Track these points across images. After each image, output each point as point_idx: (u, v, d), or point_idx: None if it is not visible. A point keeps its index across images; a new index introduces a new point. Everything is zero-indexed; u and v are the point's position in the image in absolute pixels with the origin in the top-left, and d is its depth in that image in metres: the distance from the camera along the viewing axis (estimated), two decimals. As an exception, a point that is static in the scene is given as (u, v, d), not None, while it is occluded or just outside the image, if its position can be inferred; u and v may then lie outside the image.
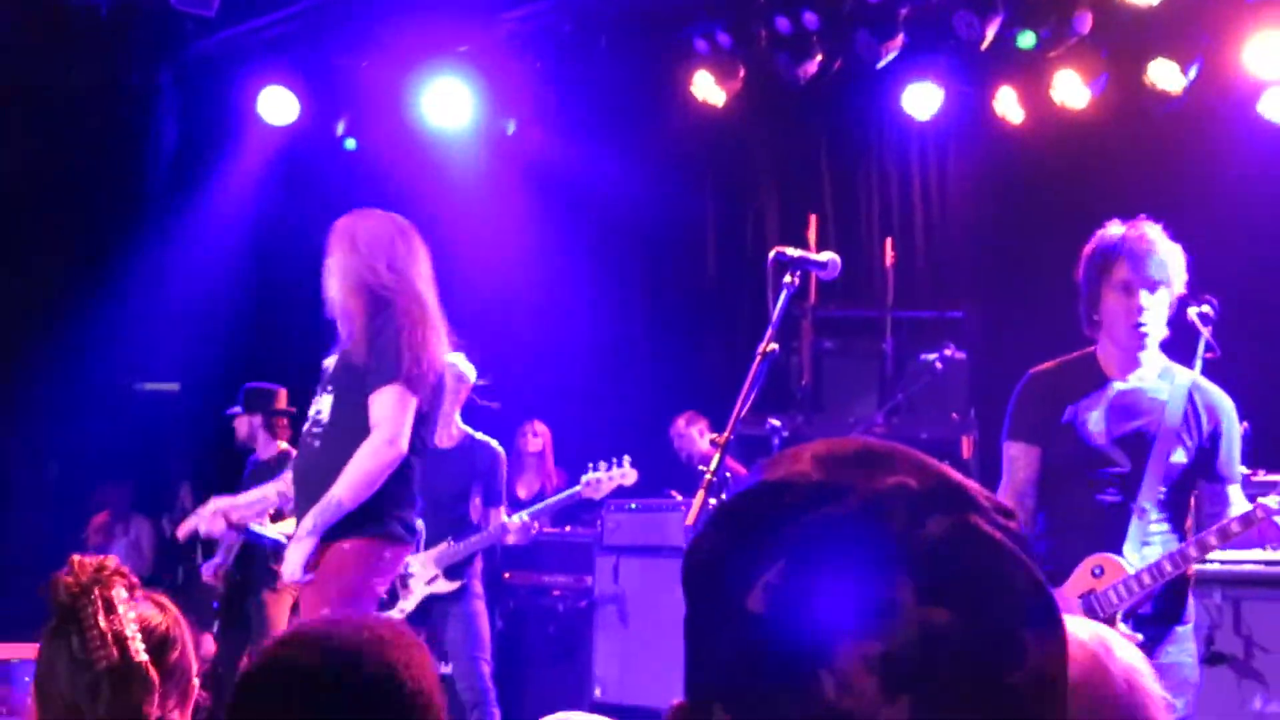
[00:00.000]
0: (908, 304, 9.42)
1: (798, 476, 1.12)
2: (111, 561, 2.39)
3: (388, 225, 5.37)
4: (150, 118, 10.72)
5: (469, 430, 7.49)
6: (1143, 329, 4.43)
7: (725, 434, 5.11)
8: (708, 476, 4.40)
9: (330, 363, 5.35)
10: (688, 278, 10.98)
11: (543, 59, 10.19)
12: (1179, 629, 4.42)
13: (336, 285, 5.22)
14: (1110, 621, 4.17)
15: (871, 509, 1.07)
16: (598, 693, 8.10)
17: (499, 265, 10.99)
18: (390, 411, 4.99)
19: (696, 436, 9.25)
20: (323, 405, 5.24)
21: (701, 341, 10.93)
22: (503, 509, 7.41)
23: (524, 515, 7.38)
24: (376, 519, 5.05)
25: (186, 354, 11.05)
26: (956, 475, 1.13)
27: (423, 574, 7.23)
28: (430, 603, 7.25)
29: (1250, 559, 6.04)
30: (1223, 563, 5.46)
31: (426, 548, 7.22)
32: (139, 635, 2.31)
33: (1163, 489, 4.40)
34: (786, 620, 1.05)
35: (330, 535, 5.00)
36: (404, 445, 5.01)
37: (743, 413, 4.72)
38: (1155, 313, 4.46)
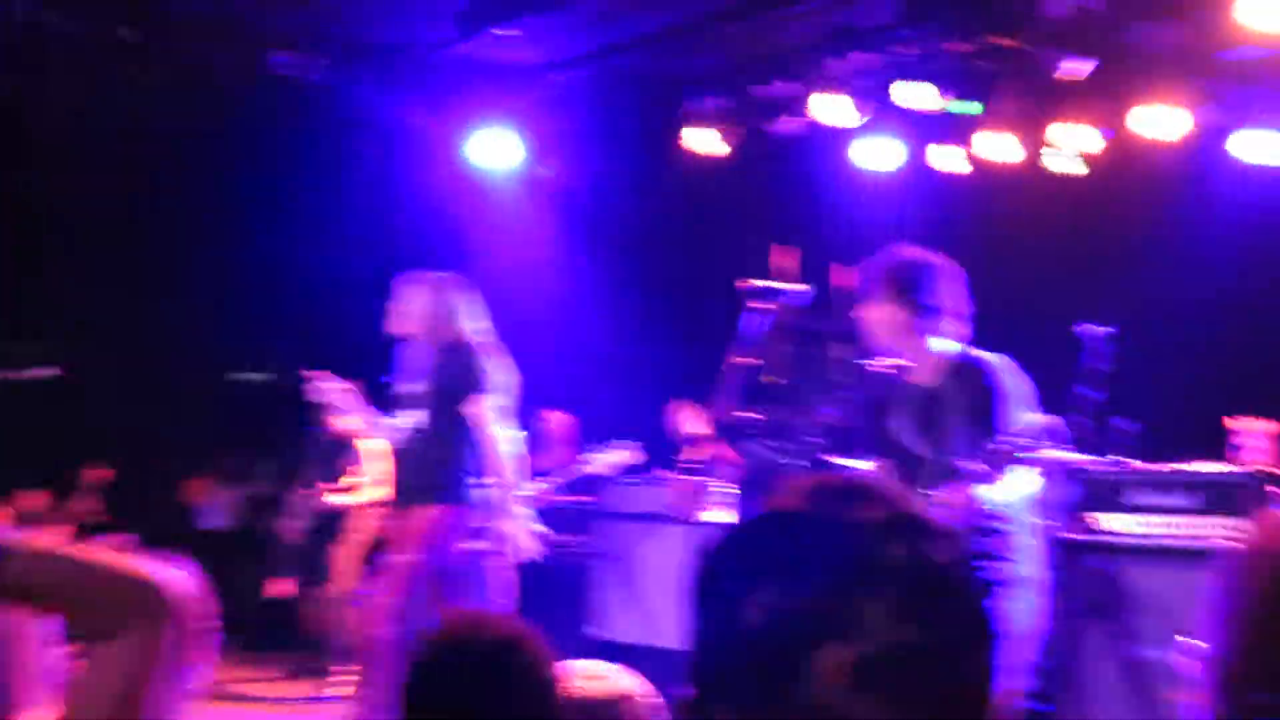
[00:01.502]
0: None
1: (789, 508, 1.14)
2: (127, 541, 2.29)
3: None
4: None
5: None
6: None
7: (706, 430, 5.20)
8: (691, 465, 4.40)
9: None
10: (683, 292, 11.00)
11: (574, 115, 10.21)
12: None
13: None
14: None
15: (847, 538, 1.09)
16: (594, 630, 8.16)
17: (535, 282, 11.01)
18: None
19: (688, 422, 9.22)
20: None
21: (693, 345, 10.92)
22: None
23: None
24: None
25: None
26: (918, 508, 1.16)
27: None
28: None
29: (1124, 530, 6.04)
30: (1103, 532, 5.41)
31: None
32: None
33: None
34: (776, 631, 1.07)
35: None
36: None
37: (723, 413, 4.73)
38: None
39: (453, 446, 5.84)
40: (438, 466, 5.85)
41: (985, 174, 9.37)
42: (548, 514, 7.75)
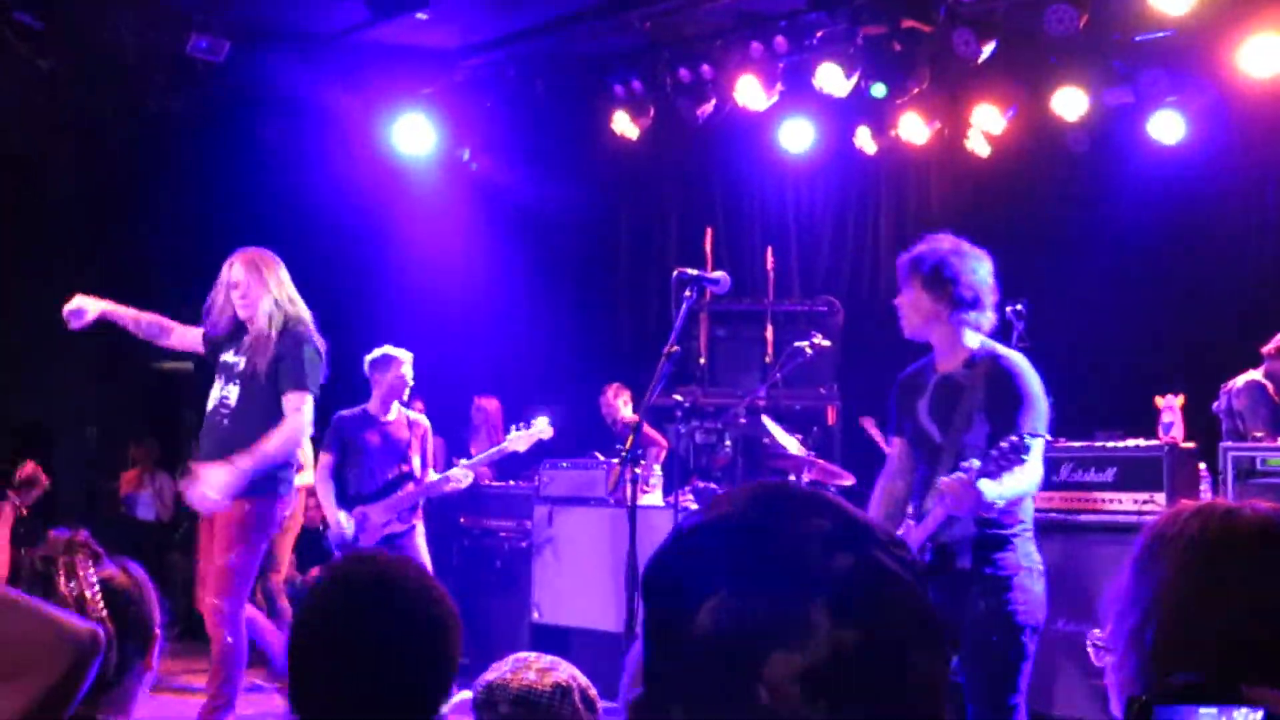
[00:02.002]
0: (784, 300, 9.51)
1: (737, 518, 1.16)
2: (80, 536, 2.37)
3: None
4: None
5: (404, 410, 7.52)
6: None
7: (638, 416, 5.21)
8: (624, 452, 4.44)
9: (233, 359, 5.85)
10: (608, 275, 11.01)
11: (492, 99, 10.19)
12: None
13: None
14: None
15: (793, 546, 1.11)
16: (535, 615, 8.13)
17: (455, 268, 10.97)
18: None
19: (620, 405, 9.29)
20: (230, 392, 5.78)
21: (621, 326, 10.97)
22: (430, 469, 7.42)
23: (463, 463, 7.39)
24: None
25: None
26: (864, 516, 1.17)
27: (380, 519, 7.27)
28: (386, 542, 7.25)
29: (1053, 508, 6.17)
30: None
31: (381, 499, 7.26)
32: (99, 596, 2.28)
33: None
34: (727, 637, 1.08)
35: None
36: None
37: (653, 399, 4.79)
38: None
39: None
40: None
41: (901, 155, 9.52)
42: (485, 499, 7.75)
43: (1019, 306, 6.75)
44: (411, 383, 7.40)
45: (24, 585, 2.23)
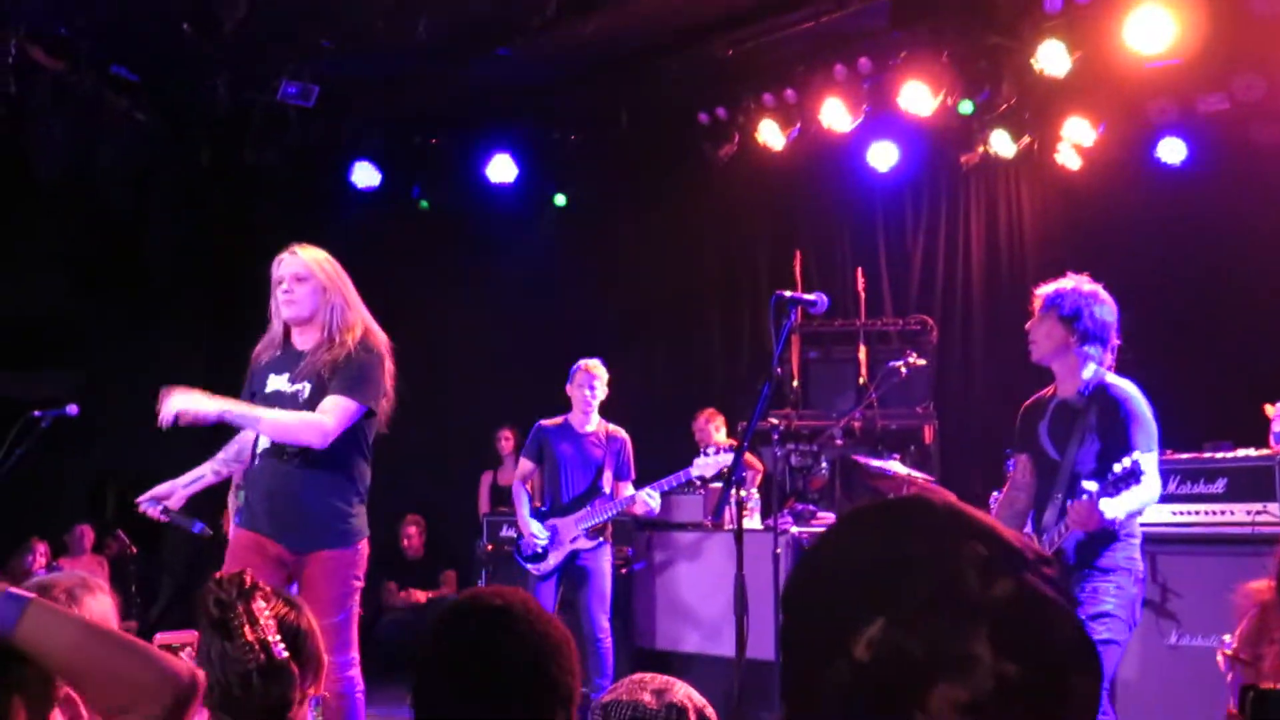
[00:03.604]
0: (875, 319, 9.44)
1: (886, 542, 1.13)
2: (249, 576, 2.37)
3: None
4: (262, 190, 10.77)
5: (606, 423, 7.55)
6: None
7: (738, 440, 5.19)
8: (728, 475, 4.42)
9: (289, 388, 4.91)
10: (697, 302, 10.99)
11: (577, 132, 10.27)
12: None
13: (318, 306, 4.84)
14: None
15: (951, 575, 1.09)
16: (638, 640, 8.12)
17: (545, 294, 11.03)
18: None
19: (713, 430, 9.25)
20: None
21: (712, 352, 10.95)
22: (629, 484, 7.41)
23: (648, 490, 7.32)
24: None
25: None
26: (1012, 537, 1.14)
27: (568, 533, 7.32)
28: (571, 558, 7.32)
29: (1163, 521, 6.07)
30: (1143, 524, 5.47)
31: (571, 514, 7.33)
32: (279, 637, 2.30)
33: None
34: (887, 668, 1.06)
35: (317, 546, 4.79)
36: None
37: (756, 423, 4.80)
38: None
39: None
40: None
41: (989, 170, 9.43)
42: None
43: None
44: (603, 393, 7.44)
45: (204, 632, 2.26)
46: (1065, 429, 4.78)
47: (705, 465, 7.26)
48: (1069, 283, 4.88)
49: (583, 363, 7.50)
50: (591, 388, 7.40)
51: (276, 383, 4.88)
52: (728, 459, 7.29)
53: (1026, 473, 4.98)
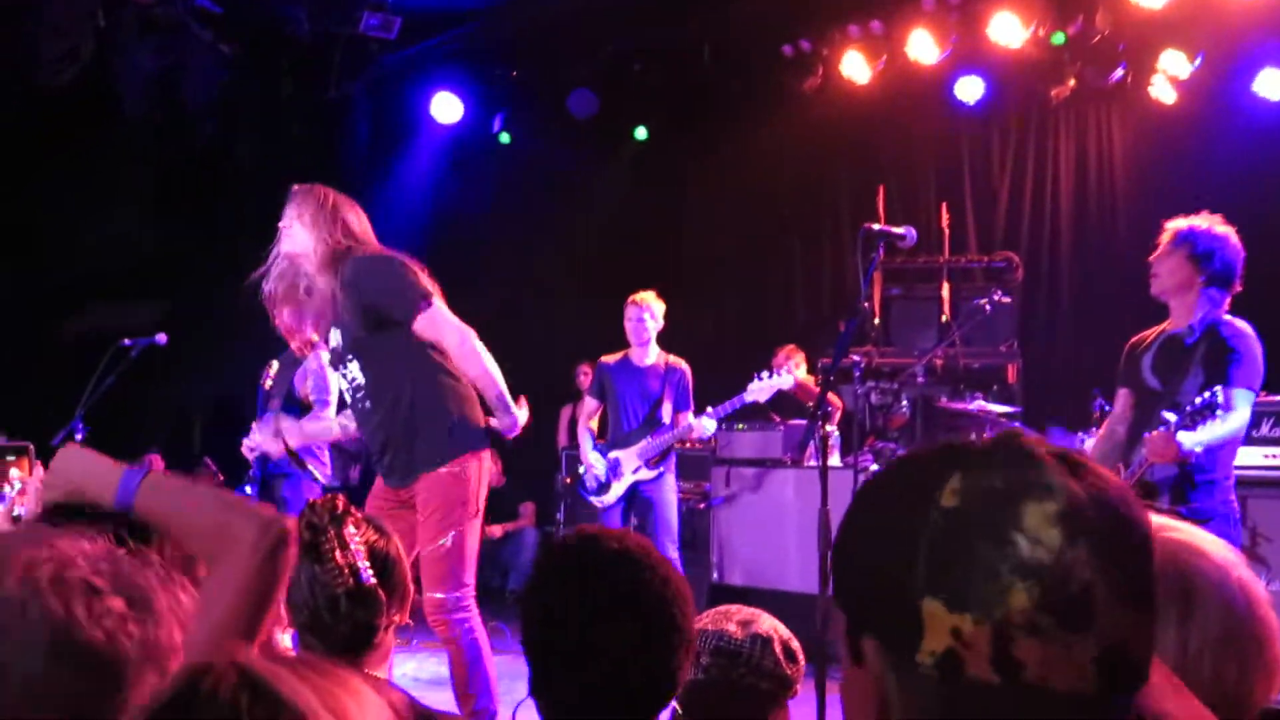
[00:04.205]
0: (960, 256, 9.30)
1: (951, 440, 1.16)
2: (340, 502, 2.39)
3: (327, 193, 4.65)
4: (344, 122, 10.80)
5: (666, 355, 7.54)
6: None
7: (820, 376, 5.14)
8: (814, 410, 4.37)
9: (338, 339, 4.66)
10: (779, 238, 10.88)
11: (658, 65, 10.17)
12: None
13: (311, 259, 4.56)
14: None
15: (1015, 441, 1.13)
16: (715, 576, 8.13)
17: (625, 229, 10.98)
18: (447, 320, 4.50)
19: (793, 367, 9.19)
20: (353, 371, 4.60)
21: (793, 289, 10.86)
22: (689, 413, 7.40)
23: (703, 416, 7.31)
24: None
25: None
26: (1112, 478, 1.12)
27: (629, 464, 7.35)
28: (634, 489, 7.36)
29: (1255, 464, 5.94)
30: (1235, 467, 5.37)
31: (631, 445, 7.37)
32: (368, 563, 2.32)
33: None
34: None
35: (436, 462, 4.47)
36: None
37: (840, 358, 4.75)
38: None
39: None
40: None
41: (1080, 104, 9.20)
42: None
43: None
44: (655, 325, 7.42)
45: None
46: (1171, 362, 4.73)
47: (759, 389, 7.24)
48: (1203, 221, 4.78)
49: (631, 297, 7.47)
50: (640, 320, 7.38)
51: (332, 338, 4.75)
52: (782, 381, 7.27)
53: (1127, 407, 4.93)
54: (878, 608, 1.12)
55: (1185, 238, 4.73)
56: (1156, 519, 1.52)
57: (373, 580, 2.29)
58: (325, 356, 6.28)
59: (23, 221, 9.71)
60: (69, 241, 9.71)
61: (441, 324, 4.47)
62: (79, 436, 6.51)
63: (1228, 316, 4.74)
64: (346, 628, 2.28)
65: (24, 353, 9.35)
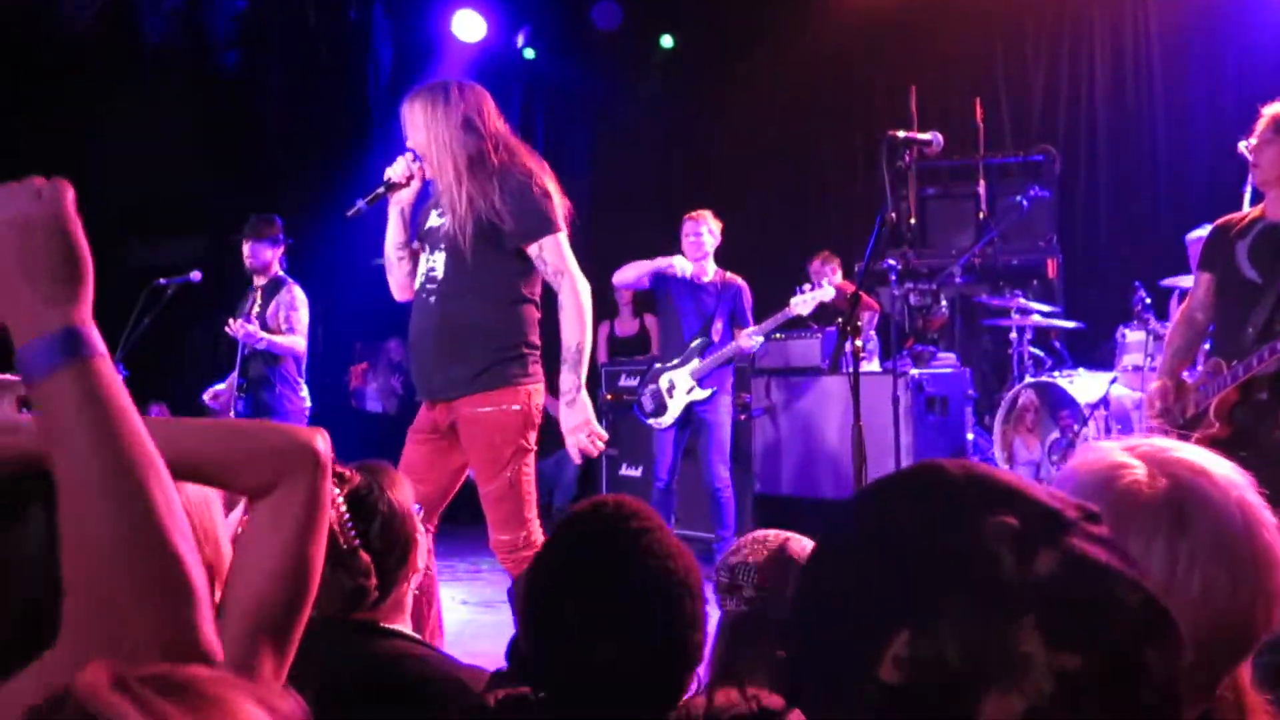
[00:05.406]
0: (996, 152, 9.12)
1: (898, 529, 0.94)
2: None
3: (474, 89, 4.37)
4: (368, 45, 10.71)
5: (720, 269, 7.46)
6: None
7: (852, 284, 5.05)
8: (845, 327, 4.30)
9: (436, 222, 4.44)
10: (811, 142, 10.72)
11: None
12: None
13: (435, 149, 4.29)
14: None
15: (983, 560, 0.89)
16: (757, 486, 8.14)
17: (654, 140, 10.85)
18: (565, 256, 4.30)
19: (830, 273, 9.09)
20: (436, 263, 4.37)
21: (827, 192, 10.72)
22: (747, 330, 7.28)
23: (749, 331, 7.23)
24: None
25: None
26: (1044, 494, 0.95)
27: (683, 385, 7.31)
28: (690, 409, 7.31)
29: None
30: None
31: (685, 366, 7.32)
32: (349, 526, 2.22)
33: None
34: (923, 688, 0.88)
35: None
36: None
37: (866, 266, 4.66)
38: None
39: None
40: None
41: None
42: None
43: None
44: (713, 241, 7.34)
45: None
46: (1275, 254, 4.48)
47: (802, 303, 7.16)
48: None
49: (690, 213, 7.39)
50: (698, 235, 7.29)
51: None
52: (825, 293, 7.18)
53: (1210, 292, 4.72)
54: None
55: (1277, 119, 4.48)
56: (1162, 441, 1.46)
57: (355, 543, 2.23)
58: (299, 292, 6.68)
59: (51, 161, 9.71)
60: (100, 180, 9.74)
61: (556, 259, 4.29)
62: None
63: None
64: (337, 593, 2.22)
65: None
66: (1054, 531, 0.91)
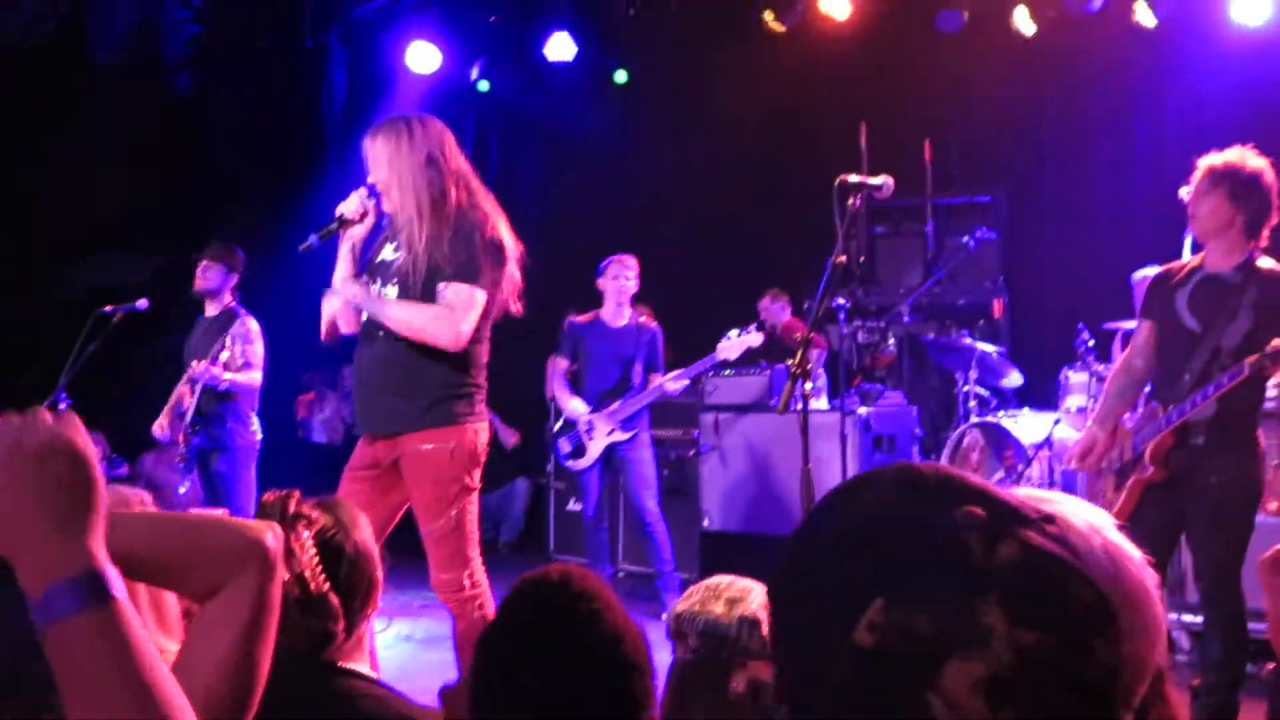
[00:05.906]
0: (944, 193, 9.22)
1: (885, 524, 1.02)
2: (293, 502, 2.25)
3: (436, 126, 4.37)
4: (323, 73, 10.67)
5: (634, 313, 7.51)
6: None
7: (804, 324, 5.04)
8: (794, 370, 4.28)
9: (391, 256, 4.42)
10: (760, 180, 10.77)
11: (634, 5, 10.02)
12: None
13: (397, 185, 4.27)
14: None
15: (952, 543, 0.98)
16: (705, 522, 8.13)
17: (606, 174, 10.86)
18: (467, 305, 4.25)
19: (779, 311, 9.14)
20: (387, 293, 4.37)
21: (778, 231, 10.77)
22: (660, 374, 7.38)
23: (672, 377, 7.29)
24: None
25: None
26: (1007, 495, 1.04)
27: (603, 428, 7.35)
28: (610, 450, 7.36)
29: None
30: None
31: (603, 408, 7.35)
32: (319, 571, 2.22)
33: None
34: (894, 651, 0.96)
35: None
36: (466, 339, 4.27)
37: (819, 309, 4.65)
38: None
39: None
40: None
41: (1063, 34, 9.06)
42: (652, 410, 7.66)
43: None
44: (634, 286, 7.41)
45: None
46: (1213, 304, 4.57)
47: (729, 347, 7.20)
48: (1237, 156, 4.59)
49: (615, 256, 7.42)
50: (627, 278, 7.37)
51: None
52: (752, 339, 7.23)
53: (1150, 340, 4.82)
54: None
55: (1222, 176, 4.56)
56: (1024, 491, 1.48)
57: (325, 587, 2.23)
58: (254, 325, 6.78)
59: (-1, 179, 9.60)
60: (46, 199, 9.62)
61: (456, 299, 4.25)
62: (63, 406, 6.47)
63: (1267, 261, 4.61)
64: (302, 635, 2.23)
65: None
66: (1017, 525, 1.00)
